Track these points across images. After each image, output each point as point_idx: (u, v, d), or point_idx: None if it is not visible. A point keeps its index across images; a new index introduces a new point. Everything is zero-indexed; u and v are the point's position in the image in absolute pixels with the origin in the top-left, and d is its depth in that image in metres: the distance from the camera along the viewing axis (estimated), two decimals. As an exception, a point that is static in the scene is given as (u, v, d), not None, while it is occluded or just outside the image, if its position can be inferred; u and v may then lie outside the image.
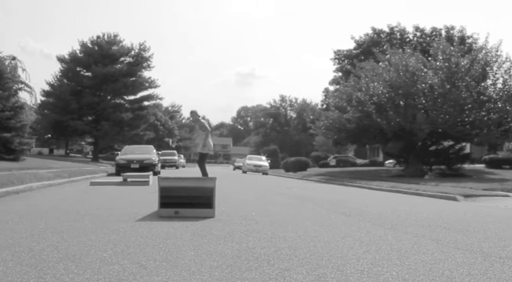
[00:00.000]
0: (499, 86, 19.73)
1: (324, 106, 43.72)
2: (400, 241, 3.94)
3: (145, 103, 45.51)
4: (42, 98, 41.94)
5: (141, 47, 43.44)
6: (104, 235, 3.88)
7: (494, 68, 19.67)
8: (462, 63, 19.25)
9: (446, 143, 22.75)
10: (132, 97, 44.52)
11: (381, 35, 40.44)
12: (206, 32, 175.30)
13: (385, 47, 29.43)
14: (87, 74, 41.78)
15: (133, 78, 43.09)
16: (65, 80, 41.61)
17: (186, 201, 5.28)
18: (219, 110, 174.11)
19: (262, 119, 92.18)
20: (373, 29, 41.16)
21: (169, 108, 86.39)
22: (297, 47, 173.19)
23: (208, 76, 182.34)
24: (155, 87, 44.69)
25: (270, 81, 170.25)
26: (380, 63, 22.20)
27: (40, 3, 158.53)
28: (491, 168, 24.39)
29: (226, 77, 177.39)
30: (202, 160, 10.25)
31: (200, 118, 10.34)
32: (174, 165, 35.10)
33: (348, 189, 14.15)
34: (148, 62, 44.03)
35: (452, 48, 19.97)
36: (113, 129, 40.70)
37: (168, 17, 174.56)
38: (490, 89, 19.87)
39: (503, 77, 19.65)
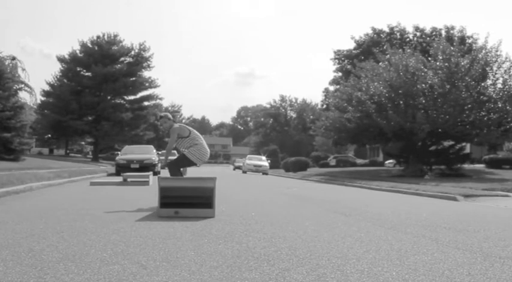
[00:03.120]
0: (499, 86, 19.75)
1: (324, 106, 43.77)
2: (400, 241, 3.94)
3: (145, 103, 45.55)
4: (42, 98, 42.00)
5: (141, 47, 43.49)
6: (104, 235, 3.88)
7: (494, 68, 19.68)
8: (462, 63, 19.26)
9: (446, 143, 22.76)
10: (132, 97, 44.57)
11: (381, 35, 40.48)
12: (206, 32, 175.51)
13: (385, 47, 29.44)
14: (87, 74, 41.81)
15: (134, 78, 43.13)
16: (65, 80, 41.64)
17: (186, 201, 5.28)
18: (219, 110, 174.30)
19: (262, 119, 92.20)
20: (373, 29, 41.20)
21: (169, 108, 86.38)
22: (296, 47, 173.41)
23: (208, 76, 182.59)
24: (155, 87, 44.78)
25: (270, 81, 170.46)
26: (380, 63, 22.21)
27: (40, 3, 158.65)
28: (491, 168, 24.40)
29: (226, 77, 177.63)
30: (176, 164, 6.93)
31: (176, 124, 7.08)
32: (174, 165, 35.05)
33: (348, 189, 14.15)
34: (148, 62, 44.10)
35: (452, 48, 19.98)
36: (113, 129, 40.71)
37: (168, 17, 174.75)
38: (490, 89, 19.89)
39: (503, 77, 19.67)
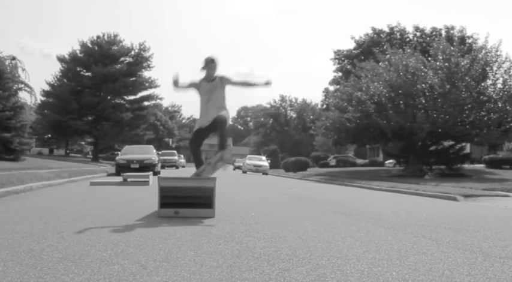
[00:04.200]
0: (499, 86, 19.76)
1: (324, 106, 43.78)
2: (400, 241, 3.94)
3: (145, 103, 45.57)
4: (42, 98, 42.03)
5: (141, 47, 43.51)
6: (104, 235, 3.88)
7: (494, 68, 19.69)
8: (462, 63, 19.27)
9: (446, 143, 22.76)
10: (132, 97, 44.59)
11: (381, 35, 40.50)
12: (206, 32, 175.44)
13: (385, 47, 29.44)
14: (87, 74, 41.84)
15: (134, 78, 43.15)
16: (65, 80, 41.68)
17: (186, 201, 5.27)
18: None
19: (262, 119, 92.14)
20: (373, 29, 41.22)
21: (169, 108, 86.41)
22: (296, 47, 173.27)
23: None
24: (155, 87, 44.79)
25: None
26: (380, 63, 22.21)
27: (40, 3, 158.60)
28: (491, 168, 24.40)
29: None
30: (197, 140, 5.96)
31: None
32: (174, 165, 35.11)
33: (348, 189, 14.15)
34: (148, 62, 44.11)
35: (452, 48, 19.99)
36: (113, 129, 40.73)
37: (168, 17, 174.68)
38: (490, 89, 19.89)
39: (503, 77, 19.68)
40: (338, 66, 42.90)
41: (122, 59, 43.37)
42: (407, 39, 39.52)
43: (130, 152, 20.81)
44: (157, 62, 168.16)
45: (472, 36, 36.13)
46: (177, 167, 35.23)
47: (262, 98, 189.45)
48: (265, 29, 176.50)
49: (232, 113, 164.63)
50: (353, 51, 41.05)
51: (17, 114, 23.94)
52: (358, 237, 4.07)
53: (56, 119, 39.54)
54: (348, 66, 30.47)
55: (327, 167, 40.95)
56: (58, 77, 41.99)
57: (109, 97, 42.75)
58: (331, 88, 42.81)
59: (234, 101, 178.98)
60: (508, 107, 18.87)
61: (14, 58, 34.32)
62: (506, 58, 19.51)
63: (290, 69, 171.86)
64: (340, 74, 41.54)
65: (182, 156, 51.57)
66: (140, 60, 43.45)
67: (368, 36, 41.07)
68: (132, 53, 43.47)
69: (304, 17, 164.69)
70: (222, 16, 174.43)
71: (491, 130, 19.04)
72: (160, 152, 29.48)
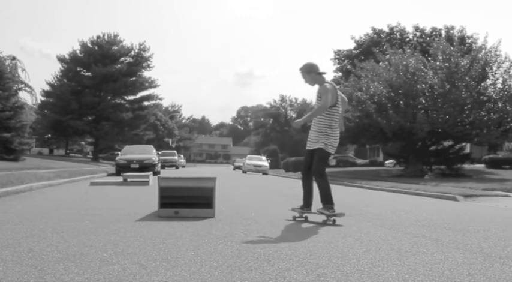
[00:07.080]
0: (499, 86, 19.74)
1: (324, 106, 43.65)
2: (400, 241, 3.94)
3: (145, 103, 45.58)
4: (42, 98, 42.04)
5: (141, 47, 43.51)
6: (104, 235, 3.88)
7: (494, 68, 19.68)
8: (462, 63, 19.25)
9: (446, 143, 22.75)
10: (132, 97, 44.61)
11: (381, 35, 40.45)
12: (206, 32, 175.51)
13: (385, 47, 29.42)
14: (87, 74, 41.84)
15: (134, 78, 43.15)
16: (65, 80, 41.69)
17: (186, 201, 5.27)
18: (218, 110, 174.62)
19: (262, 119, 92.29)
20: (373, 29, 41.16)
21: (169, 108, 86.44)
22: (296, 47, 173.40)
23: (208, 76, 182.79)
24: (155, 87, 44.81)
25: (270, 81, 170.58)
26: (380, 63, 22.20)
27: (40, 3, 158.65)
28: (491, 168, 24.38)
29: (226, 77, 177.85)
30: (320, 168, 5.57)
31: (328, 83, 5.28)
32: (174, 165, 35.14)
33: (348, 189, 14.15)
34: (148, 62, 44.13)
35: (452, 48, 19.97)
36: (113, 129, 40.74)
37: (168, 17, 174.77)
38: (490, 89, 19.88)
39: (502, 77, 19.66)
40: (338, 66, 42.85)
41: (122, 59, 43.38)
42: (407, 39, 39.47)
43: (130, 152, 20.81)
44: (157, 62, 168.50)
45: (471, 36, 36.08)
46: (177, 167, 35.24)
47: (262, 98, 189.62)
48: (265, 29, 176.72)
49: (232, 113, 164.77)
50: (353, 51, 41.00)
51: (17, 114, 23.97)
52: (358, 237, 4.07)
53: (56, 119, 39.54)
54: (348, 66, 30.38)
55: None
56: (58, 77, 42.00)
57: (109, 97, 42.76)
58: (331, 88, 42.70)
59: (234, 101, 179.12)
60: (508, 107, 18.85)
61: (14, 58, 34.39)
62: (506, 58, 19.50)
63: (290, 69, 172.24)
64: (340, 74, 41.47)
65: (182, 156, 51.61)
66: (140, 60, 43.46)
67: (368, 36, 41.03)
68: (132, 53, 43.48)
69: (304, 17, 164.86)
70: (222, 16, 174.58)
71: (491, 130, 19.03)
72: (160, 152, 29.48)
